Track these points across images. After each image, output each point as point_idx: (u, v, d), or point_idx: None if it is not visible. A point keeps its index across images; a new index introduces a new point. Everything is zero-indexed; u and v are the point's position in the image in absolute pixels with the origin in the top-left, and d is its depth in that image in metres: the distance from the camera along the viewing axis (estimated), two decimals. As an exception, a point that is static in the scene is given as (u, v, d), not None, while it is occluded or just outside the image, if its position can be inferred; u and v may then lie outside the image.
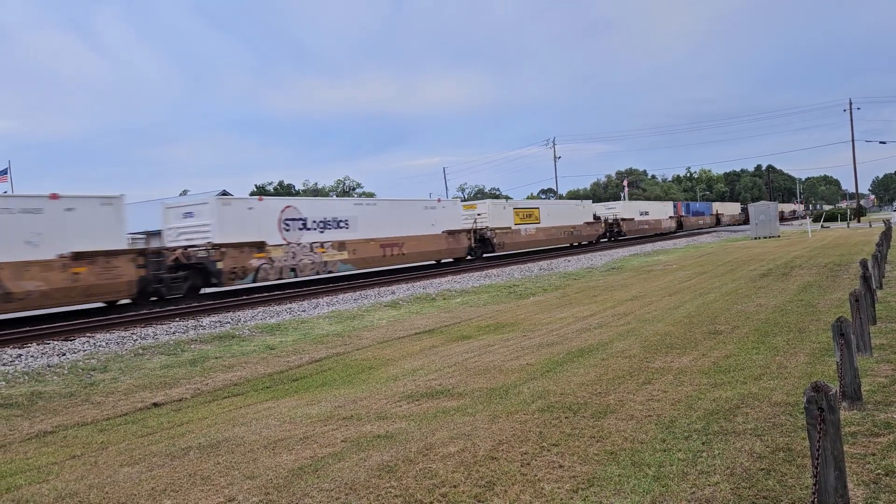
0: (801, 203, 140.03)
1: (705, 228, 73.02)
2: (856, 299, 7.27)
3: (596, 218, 51.52)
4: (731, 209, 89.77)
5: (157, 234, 24.64)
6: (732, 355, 8.40)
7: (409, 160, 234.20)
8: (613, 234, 53.47)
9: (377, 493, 4.77)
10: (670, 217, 64.24)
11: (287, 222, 25.17)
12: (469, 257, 35.89)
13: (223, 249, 22.33)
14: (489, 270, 28.94)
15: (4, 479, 6.01)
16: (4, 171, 45.38)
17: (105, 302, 20.11)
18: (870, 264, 11.06)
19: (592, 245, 47.97)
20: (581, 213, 48.49)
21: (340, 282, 27.04)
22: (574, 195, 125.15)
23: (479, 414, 6.66)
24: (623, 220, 53.81)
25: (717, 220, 79.25)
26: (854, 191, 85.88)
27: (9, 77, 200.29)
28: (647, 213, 58.32)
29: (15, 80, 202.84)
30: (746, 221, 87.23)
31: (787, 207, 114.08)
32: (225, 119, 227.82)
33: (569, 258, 34.65)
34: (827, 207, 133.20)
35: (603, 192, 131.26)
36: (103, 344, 13.97)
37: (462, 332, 12.85)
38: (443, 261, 34.83)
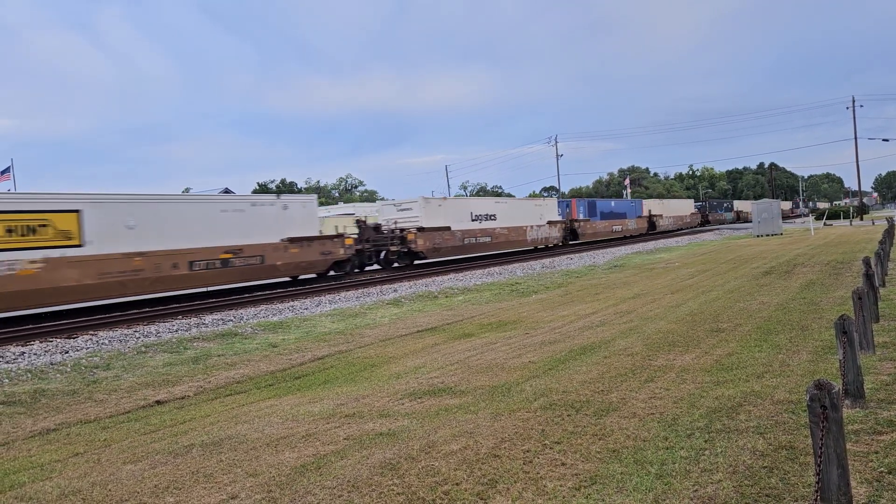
0: (801, 200, 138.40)
1: (629, 237, 52.52)
2: (858, 297, 7.25)
3: (365, 226, 31.24)
4: (675, 208, 65.58)
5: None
6: (735, 353, 8.39)
7: (412, 158, 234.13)
8: (396, 256, 30.67)
9: (379, 491, 4.77)
10: (550, 223, 41.54)
11: None
12: None
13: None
14: (491, 269, 28.91)
15: (8, 477, 6.03)
16: (7, 170, 45.44)
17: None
18: (872, 262, 11.04)
19: (312, 283, 26.22)
20: (283, 221, 24.47)
21: (343, 279, 27.03)
22: (576, 193, 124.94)
23: (482, 412, 6.66)
24: (422, 231, 30.41)
25: (651, 225, 57.56)
26: (857, 188, 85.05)
27: (12, 75, 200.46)
28: (490, 218, 36.01)
29: (18, 79, 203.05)
30: (703, 223, 70.89)
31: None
32: (228, 117, 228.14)
33: (571, 256, 34.60)
34: (822, 205, 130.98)
35: (605, 189, 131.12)
36: (106, 342, 13.99)
37: (464, 330, 12.85)
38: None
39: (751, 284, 15.88)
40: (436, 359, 10.03)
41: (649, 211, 58.10)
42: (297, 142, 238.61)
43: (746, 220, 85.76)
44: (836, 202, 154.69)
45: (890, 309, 10.46)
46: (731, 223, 79.96)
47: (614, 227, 50.84)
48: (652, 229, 57.50)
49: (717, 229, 67.42)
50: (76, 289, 18.23)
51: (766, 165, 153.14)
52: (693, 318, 11.56)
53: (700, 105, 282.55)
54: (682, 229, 64.40)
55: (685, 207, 69.43)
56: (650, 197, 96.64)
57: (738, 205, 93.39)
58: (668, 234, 57.68)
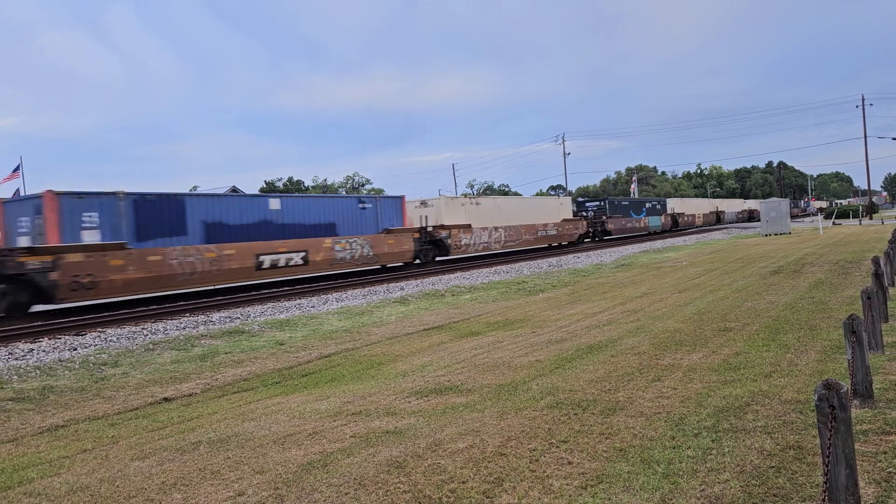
0: (809, 199, 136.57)
1: (304, 288, 22.77)
2: (868, 297, 7.22)
3: None
4: (511, 213, 37.82)
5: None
6: (742, 352, 8.36)
7: (419, 156, 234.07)
8: None
9: (386, 489, 4.78)
10: None
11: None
12: None
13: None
14: (498, 267, 28.90)
15: (17, 473, 6.06)
16: (17, 168, 45.72)
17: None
18: (882, 262, 10.97)
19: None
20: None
21: (349, 278, 27.08)
22: (583, 192, 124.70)
23: (488, 410, 6.66)
24: None
25: (435, 245, 31.54)
26: (866, 187, 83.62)
27: (20, 74, 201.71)
28: None
29: (25, 77, 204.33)
30: (594, 236, 48.31)
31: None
32: (234, 116, 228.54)
33: (578, 255, 34.54)
34: (817, 203, 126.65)
35: (613, 188, 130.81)
36: (114, 339, 14.06)
37: (471, 329, 12.85)
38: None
39: (759, 284, 15.82)
40: (442, 357, 10.03)
41: (425, 218, 31.92)
42: (304, 140, 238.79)
43: (690, 226, 64.87)
44: (838, 200, 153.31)
45: (899, 309, 10.39)
46: (658, 234, 56.20)
47: (263, 258, 22.97)
48: (443, 253, 31.84)
49: (725, 228, 65.32)
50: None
51: (775, 164, 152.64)
52: (700, 317, 11.52)
53: (707, 103, 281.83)
54: (532, 249, 39.76)
55: (543, 212, 40.93)
56: (658, 196, 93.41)
57: (677, 205, 65.63)
58: (468, 264, 30.59)
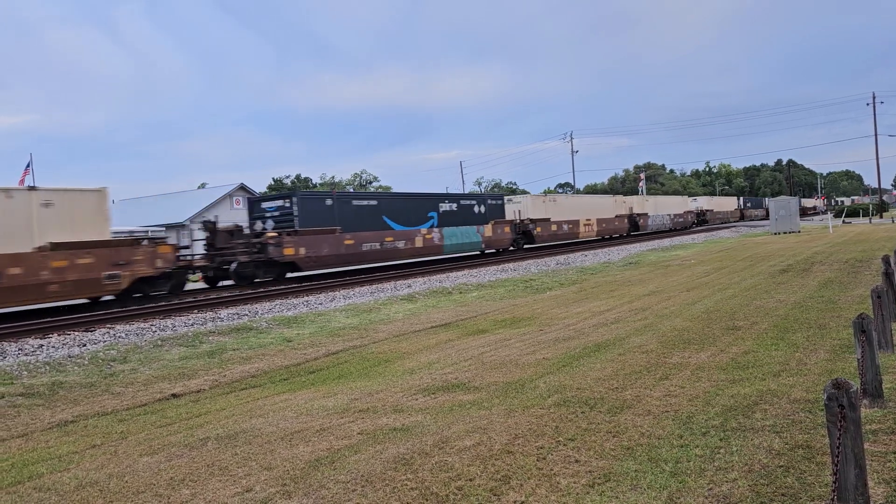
0: (819, 197, 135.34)
1: None
2: (878, 296, 7.18)
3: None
4: None
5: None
6: (751, 351, 8.33)
7: (427, 154, 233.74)
8: None
9: (393, 486, 4.79)
10: None
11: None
12: None
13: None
14: (505, 265, 28.88)
15: (27, 468, 6.11)
16: (27, 165, 46.00)
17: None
18: (892, 260, 10.90)
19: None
20: None
21: (356, 275, 27.12)
22: (591, 189, 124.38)
23: (495, 408, 6.66)
24: None
25: None
26: (877, 185, 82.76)
27: (30, 71, 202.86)
28: None
29: (36, 74, 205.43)
30: (172, 290, 19.75)
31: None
32: (244, 113, 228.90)
33: (585, 253, 34.46)
34: (808, 202, 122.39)
35: (620, 186, 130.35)
36: (123, 335, 14.13)
37: (478, 327, 12.84)
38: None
39: (767, 282, 15.75)
40: (449, 355, 10.04)
41: None
42: (313, 137, 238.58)
43: (567, 239, 41.42)
44: (840, 199, 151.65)
45: (909, 308, 10.32)
46: (479, 258, 32.68)
47: None
48: None
49: (733, 226, 65.04)
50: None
51: (784, 162, 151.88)
52: (709, 315, 11.48)
53: (716, 101, 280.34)
54: None
55: None
56: (666, 194, 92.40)
57: (529, 206, 38.55)
58: None
